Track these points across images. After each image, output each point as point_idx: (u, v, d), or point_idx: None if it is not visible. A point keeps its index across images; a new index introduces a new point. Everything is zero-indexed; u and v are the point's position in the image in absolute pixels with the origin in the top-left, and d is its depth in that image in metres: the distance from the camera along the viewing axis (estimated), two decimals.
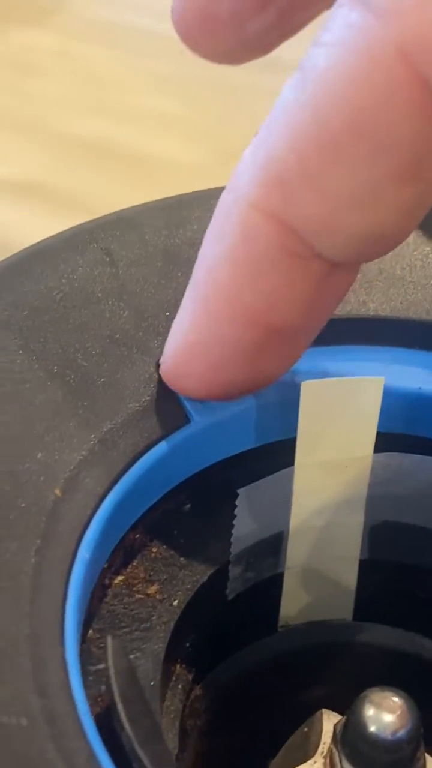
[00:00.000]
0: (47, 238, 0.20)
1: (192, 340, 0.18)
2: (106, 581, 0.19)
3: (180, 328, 0.18)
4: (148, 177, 0.47)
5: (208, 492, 0.21)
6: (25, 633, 0.15)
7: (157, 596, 0.19)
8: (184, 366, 0.18)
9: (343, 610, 0.22)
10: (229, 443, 0.20)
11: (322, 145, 0.15)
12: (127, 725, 0.15)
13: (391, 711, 0.18)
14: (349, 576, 0.22)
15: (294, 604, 0.22)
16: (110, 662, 0.16)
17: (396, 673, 0.22)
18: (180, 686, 0.20)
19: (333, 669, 0.23)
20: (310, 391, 0.18)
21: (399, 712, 0.18)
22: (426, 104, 0.15)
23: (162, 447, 0.19)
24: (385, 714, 0.18)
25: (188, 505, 0.21)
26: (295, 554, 0.21)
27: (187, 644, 0.20)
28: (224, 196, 0.17)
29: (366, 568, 0.21)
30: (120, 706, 0.15)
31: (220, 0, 0.18)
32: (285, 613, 0.22)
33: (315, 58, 0.15)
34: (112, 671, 0.16)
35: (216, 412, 0.19)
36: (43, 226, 0.44)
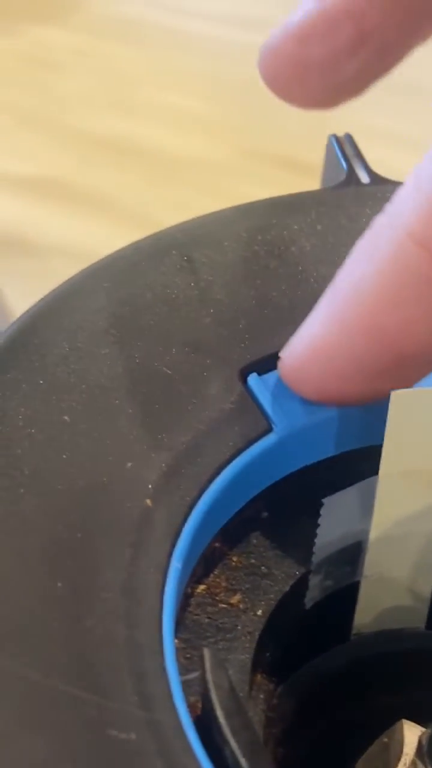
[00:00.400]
0: (128, 246, 0.20)
1: (319, 346, 0.18)
2: (188, 590, 0.19)
3: (309, 331, 0.18)
4: (170, 175, 0.47)
5: (285, 500, 0.20)
6: (124, 645, 0.15)
7: (240, 605, 0.19)
8: (305, 368, 0.18)
9: (418, 618, 0.22)
10: (311, 451, 0.20)
11: None
12: (231, 739, 0.15)
13: None
14: (424, 584, 0.21)
15: (369, 612, 0.22)
16: (208, 675, 0.16)
17: None
18: (262, 696, 0.20)
19: (406, 677, 0.22)
20: (399, 401, 0.18)
21: None
22: None
23: (246, 456, 0.19)
24: None
25: (266, 513, 0.20)
26: (374, 563, 0.21)
27: (268, 654, 0.20)
28: (381, 218, 0.17)
29: None
30: (222, 720, 0.15)
31: (313, 45, 0.17)
32: (359, 621, 0.22)
33: None
34: (211, 684, 0.16)
35: (298, 419, 0.19)
36: (63, 225, 0.44)
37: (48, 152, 0.48)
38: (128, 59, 0.55)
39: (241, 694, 0.18)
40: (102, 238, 0.42)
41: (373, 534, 0.20)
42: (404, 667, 0.22)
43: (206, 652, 0.16)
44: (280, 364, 0.19)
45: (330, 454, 0.20)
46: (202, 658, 0.16)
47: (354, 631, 0.22)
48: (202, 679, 0.16)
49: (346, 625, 0.22)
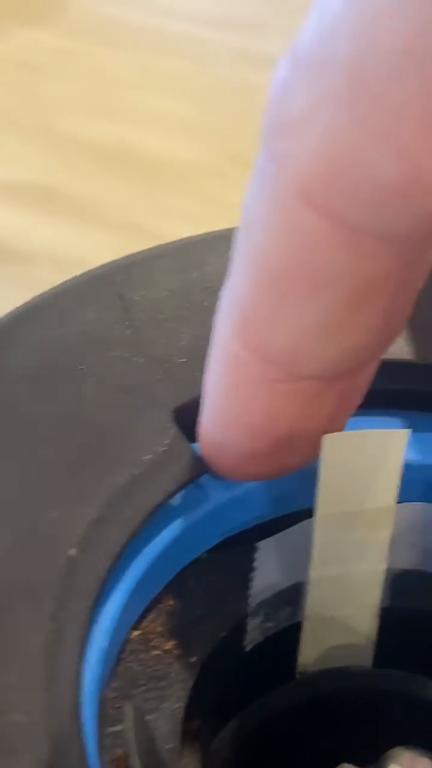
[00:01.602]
0: (58, 285, 0.20)
1: (210, 436, 0.18)
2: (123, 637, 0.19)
3: (202, 419, 0.18)
4: (159, 180, 0.46)
5: (224, 542, 0.20)
6: (42, 705, 0.15)
7: (175, 652, 0.19)
8: (210, 456, 0.18)
9: (363, 657, 0.22)
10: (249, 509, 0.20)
11: (268, 287, 0.15)
12: None
13: None
14: (368, 623, 0.21)
15: (312, 651, 0.21)
16: (131, 731, 0.15)
17: (418, 722, 0.22)
18: (198, 744, 0.19)
19: (353, 717, 0.22)
20: (332, 445, 0.18)
21: None
22: (347, 238, 0.14)
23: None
24: None
25: (205, 555, 0.20)
26: (314, 603, 0.20)
27: (205, 700, 0.19)
28: (218, 332, 0.17)
29: (387, 615, 0.21)
30: None
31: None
32: (303, 661, 0.21)
33: (245, 201, 0.15)
34: (132, 741, 0.15)
35: None
36: (49, 231, 0.43)
37: (33, 156, 0.47)
38: (115, 62, 0.54)
39: (170, 746, 0.17)
40: (89, 245, 0.41)
41: (313, 575, 0.20)
42: (350, 707, 0.22)
43: (128, 707, 0.16)
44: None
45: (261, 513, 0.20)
46: (124, 713, 0.16)
47: (298, 670, 0.22)
48: (124, 735, 0.15)
49: (290, 665, 0.22)
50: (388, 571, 0.20)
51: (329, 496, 0.18)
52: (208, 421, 0.18)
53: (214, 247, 0.21)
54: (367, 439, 0.18)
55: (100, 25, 0.57)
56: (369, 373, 0.18)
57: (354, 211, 0.14)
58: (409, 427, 0.20)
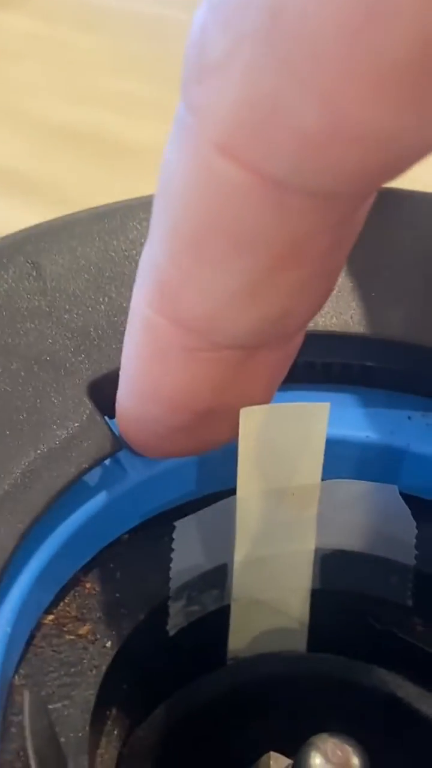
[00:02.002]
0: None
1: (128, 411, 0.17)
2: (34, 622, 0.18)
3: (119, 393, 0.17)
4: (129, 163, 0.45)
5: (146, 522, 0.19)
6: None
7: (89, 637, 0.18)
8: (127, 432, 0.17)
9: (297, 641, 0.21)
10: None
11: (187, 248, 0.14)
12: None
13: (338, 760, 0.17)
14: (300, 607, 0.20)
15: (243, 636, 0.21)
16: (26, 721, 0.15)
17: (351, 707, 0.21)
18: (116, 732, 0.18)
19: (286, 702, 0.21)
20: (250, 418, 0.17)
21: (347, 762, 0.17)
22: (268, 193, 0.13)
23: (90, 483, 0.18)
24: (332, 763, 0.17)
25: (126, 536, 0.19)
26: (242, 586, 0.20)
27: (125, 686, 0.19)
28: (134, 300, 0.16)
29: (319, 598, 0.20)
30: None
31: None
32: (234, 646, 0.21)
33: (164, 156, 0.14)
34: (28, 731, 0.15)
35: None
36: (17, 215, 0.42)
37: (3, 142, 0.46)
38: (86, 46, 0.54)
39: (80, 734, 0.16)
40: None
41: (237, 556, 0.19)
42: (282, 693, 0.21)
43: (27, 696, 0.15)
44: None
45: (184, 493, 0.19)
46: (21, 702, 0.15)
47: (230, 656, 0.21)
48: (20, 725, 0.15)
49: (220, 650, 0.21)
50: (318, 551, 0.20)
51: (250, 472, 0.18)
52: (125, 395, 0.17)
53: (135, 215, 0.20)
54: (287, 413, 0.17)
55: (71, 8, 0.56)
56: (295, 343, 0.17)
57: (275, 163, 0.13)
58: (340, 402, 0.20)
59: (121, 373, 0.17)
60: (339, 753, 0.17)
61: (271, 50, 0.12)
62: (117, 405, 0.18)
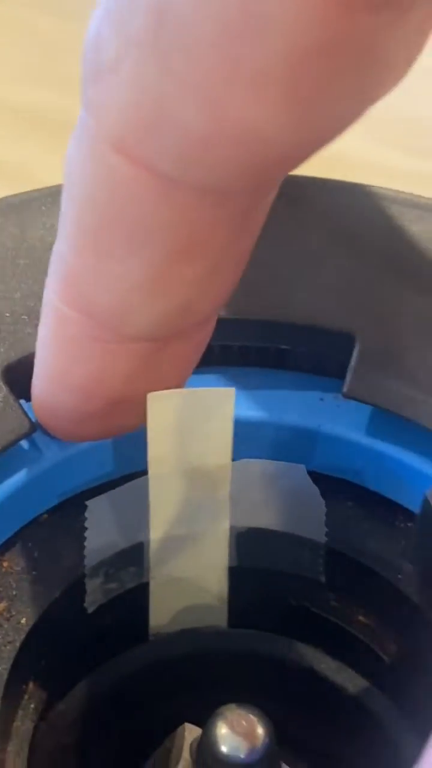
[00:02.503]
0: None
1: (42, 396, 0.17)
2: None
3: (34, 378, 0.18)
4: None
5: (63, 503, 0.20)
6: None
7: (5, 614, 0.18)
8: (42, 416, 0.18)
9: (217, 617, 0.22)
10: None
11: (88, 242, 0.15)
12: None
13: (244, 730, 0.18)
14: (219, 584, 0.21)
15: (164, 613, 0.21)
16: None
17: (271, 681, 0.22)
18: (32, 706, 0.19)
19: (208, 677, 0.22)
20: (157, 403, 0.17)
21: (252, 732, 0.18)
22: (160, 189, 0.14)
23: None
24: (237, 733, 0.18)
25: (44, 516, 0.20)
26: (159, 564, 0.20)
27: (43, 661, 0.19)
28: (46, 290, 0.16)
29: (236, 575, 0.21)
30: None
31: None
32: (155, 623, 0.21)
33: (67, 152, 0.15)
34: None
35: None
36: None
37: None
38: (50, 27, 0.53)
39: None
40: None
41: (153, 535, 0.20)
42: (204, 668, 0.22)
43: None
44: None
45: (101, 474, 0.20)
46: None
47: (152, 632, 0.21)
48: None
49: (142, 627, 0.21)
50: (233, 529, 0.20)
51: (159, 455, 0.18)
52: (39, 382, 0.18)
53: (55, 202, 0.20)
54: (193, 398, 0.18)
55: None
56: (205, 333, 0.18)
57: (165, 161, 0.14)
58: (254, 384, 0.20)
59: (35, 359, 0.18)
60: (244, 723, 0.18)
61: (156, 53, 0.13)
62: (32, 390, 0.18)
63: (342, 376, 0.20)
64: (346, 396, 0.19)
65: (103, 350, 0.16)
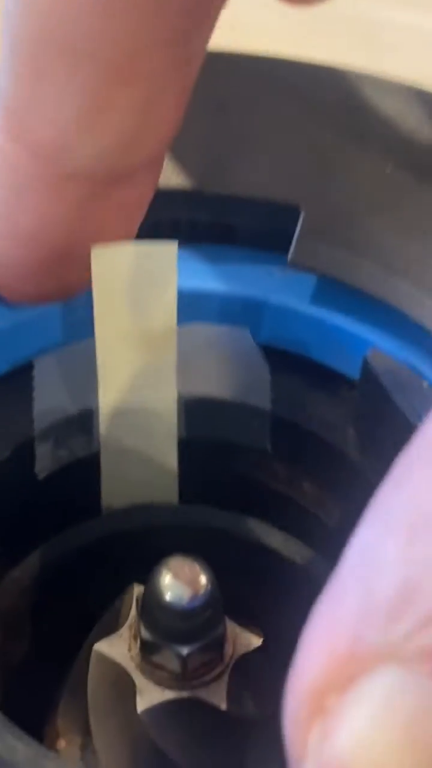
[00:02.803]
0: None
1: None
2: None
3: None
4: None
5: (14, 370, 0.20)
6: None
7: None
8: None
9: (168, 492, 0.22)
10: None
11: (26, 65, 0.15)
12: None
13: (186, 577, 0.18)
14: (169, 456, 0.21)
15: (115, 486, 0.22)
16: None
17: (220, 554, 0.22)
18: None
19: (156, 552, 0.22)
20: (101, 257, 0.18)
21: (194, 579, 0.18)
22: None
23: None
24: (179, 580, 0.18)
25: None
26: (110, 433, 0.21)
27: None
28: None
29: (186, 447, 0.21)
30: None
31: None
32: (107, 497, 0.22)
33: None
34: None
35: None
36: None
37: None
38: None
39: None
40: None
41: (102, 402, 0.20)
42: (155, 541, 0.22)
43: None
44: None
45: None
46: None
47: (104, 507, 0.22)
48: None
49: (95, 501, 0.22)
50: (181, 399, 0.20)
51: (106, 314, 0.19)
52: None
53: None
54: (136, 252, 0.18)
55: None
56: (149, 181, 0.17)
57: None
58: (205, 258, 0.21)
59: None
60: (187, 571, 0.18)
61: None
62: None
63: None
64: (291, 263, 0.20)
65: (46, 190, 0.16)
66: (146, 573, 0.22)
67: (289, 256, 0.20)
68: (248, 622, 0.20)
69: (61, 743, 0.20)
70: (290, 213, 0.20)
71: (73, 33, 0.15)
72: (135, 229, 0.18)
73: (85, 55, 0.15)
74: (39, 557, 0.21)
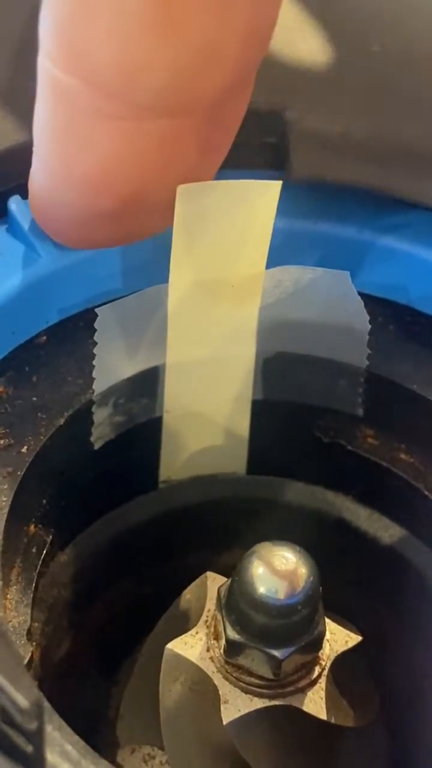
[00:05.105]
0: None
1: (42, 194, 0.15)
2: None
3: (32, 173, 0.15)
4: None
5: (68, 320, 0.17)
6: None
7: (2, 442, 0.16)
8: (43, 218, 0.15)
9: (236, 461, 0.19)
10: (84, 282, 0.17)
11: None
12: None
13: (283, 569, 0.15)
14: (240, 420, 0.18)
15: (176, 455, 0.19)
16: None
17: (296, 533, 0.19)
18: (34, 549, 0.16)
19: (224, 530, 0.20)
20: (188, 197, 0.14)
21: (293, 570, 0.15)
22: None
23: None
24: (276, 572, 0.15)
25: (44, 337, 0.17)
26: (175, 394, 0.18)
27: (44, 500, 0.17)
28: (39, 59, 0.14)
29: (260, 410, 0.18)
30: None
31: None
32: (167, 466, 0.19)
33: None
34: None
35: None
36: None
37: None
38: None
39: None
40: None
41: (170, 358, 0.17)
42: (220, 518, 0.20)
43: None
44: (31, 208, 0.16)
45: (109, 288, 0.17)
46: None
47: (162, 479, 0.19)
48: None
49: (152, 471, 0.19)
50: (259, 354, 0.17)
51: (184, 259, 0.15)
52: (38, 176, 0.15)
53: None
54: (231, 190, 0.15)
55: None
56: (236, 110, 0.15)
57: None
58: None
59: (34, 149, 0.15)
60: (285, 560, 0.15)
61: None
62: (30, 185, 0.15)
63: None
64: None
65: (112, 129, 0.13)
66: (210, 557, 0.20)
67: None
68: (339, 616, 0.18)
69: (123, 754, 0.18)
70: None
71: None
72: (217, 166, 0.15)
73: None
74: (88, 539, 0.19)
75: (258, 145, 0.17)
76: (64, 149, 0.14)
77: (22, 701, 0.11)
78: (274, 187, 0.15)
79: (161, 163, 0.14)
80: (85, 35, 0.13)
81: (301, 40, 0.18)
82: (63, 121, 0.14)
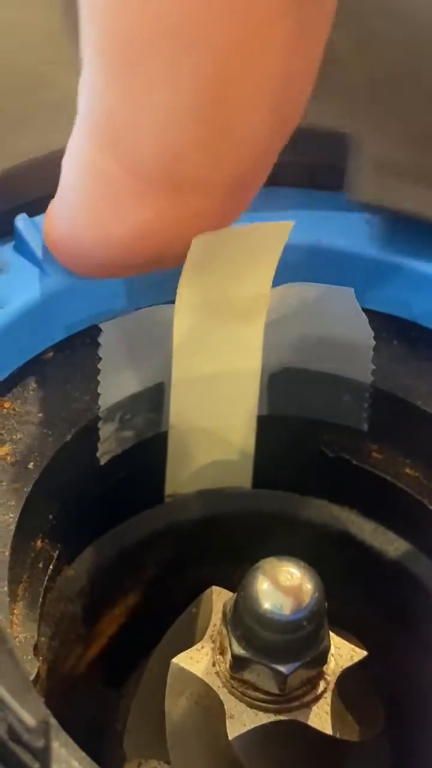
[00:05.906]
0: None
1: (67, 241, 0.15)
2: None
3: (59, 220, 0.15)
4: None
5: (74, 337, 0.17)
6: None
7: (9, 458, 0.16)
8: (62, 252, 0.15)
9: (241, 476, 0.19)
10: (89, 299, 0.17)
11: (122, 55, 0.13)
12: None
13: (288, 584, 0.15)
14: (246, 435, 0.18)
15: (182, 469, 0.19)
16: None
17: (302, 547, 0.20)
18: (41, 564, 0.16)
19: (229, 544, 0.20)
20: (202, 245, 0.14)
21: (298, 586, 0.15)
22: None
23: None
24: (281, 588, 0.15)
25: (51, 353, 0.17)
26: (181, 409, 0.18)
27: (51, 516, 0.17)
28: (75, 137, 0.14)
29: (265, 425, 0.18)
30: None
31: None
32: (172, 481, 0.19)
33: None
34: None
35: None
36: None
37: None
38: None
39: None
40: None
41: (176, 374, 0.17)
42: (225, 533, 0.20)
43: None
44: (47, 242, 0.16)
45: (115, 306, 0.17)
46: None
47: (168, 493, 0.19)
48: None
49: (158, 486, 0.19)
50: (264, 370, 0.18)
51: (192, 277, 0.15)
52: (62, 222, 0.15)
53: None
54: (242, 235, 0.15)
55: None
56: (258, 182, 0.15)
57: None
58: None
59: (58, 195, 0.15)
60: (290, 575, 0.15)
61: None
62: (53, 227, 0.15)
63: None
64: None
65: (148, 206, 0.14)
66: (216, 571, 0.20)
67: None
68: (344, 630, 0.18)
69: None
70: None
71: (177, 14, 0.12)
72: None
73: (194, 40, 0.12)
74: (95, 553, 0.19)
75: (317, 165, 0.18)
76: (96, 215, 0.14)
77: (29, 720, 0.11)
78: (286, 227, 0.15)
79: (192, 230, 0.14)
80: (130, 132, 0.13)
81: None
82: (96, 194, 0.14)
